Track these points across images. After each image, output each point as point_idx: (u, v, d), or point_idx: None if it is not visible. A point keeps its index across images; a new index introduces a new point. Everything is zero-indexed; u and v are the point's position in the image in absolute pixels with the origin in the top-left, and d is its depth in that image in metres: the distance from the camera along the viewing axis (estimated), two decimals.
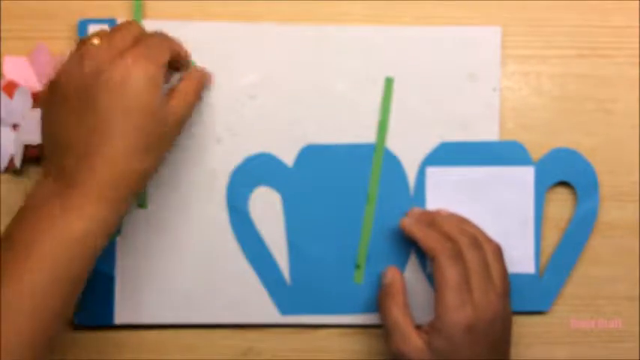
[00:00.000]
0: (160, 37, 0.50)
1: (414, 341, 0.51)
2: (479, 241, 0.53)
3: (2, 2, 0.57)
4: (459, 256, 0.51)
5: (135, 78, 0.46)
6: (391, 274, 0.55)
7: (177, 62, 0.51)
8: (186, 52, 0.52)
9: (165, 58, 0.49)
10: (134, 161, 0.47)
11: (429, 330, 0.51)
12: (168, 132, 0.49)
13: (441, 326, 0.50)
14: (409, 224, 0.55)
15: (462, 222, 0.55)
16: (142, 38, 0.49)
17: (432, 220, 0.55)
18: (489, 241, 0.54)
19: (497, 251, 0.54)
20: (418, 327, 0.52)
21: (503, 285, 0.52)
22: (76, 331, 0.57)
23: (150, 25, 0.51)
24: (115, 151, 0.46)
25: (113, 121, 0.46)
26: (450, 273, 0.51)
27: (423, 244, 0.53)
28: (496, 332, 0.51)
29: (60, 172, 0.46)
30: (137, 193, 0.48)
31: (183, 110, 0.50)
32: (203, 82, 0.54)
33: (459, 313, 0.50)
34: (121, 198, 0.47)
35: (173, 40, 0.51)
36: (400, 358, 0.52)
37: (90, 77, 0.46)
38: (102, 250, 0.46)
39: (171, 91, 0.50)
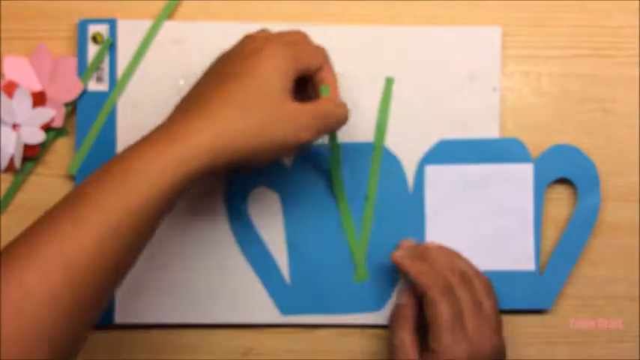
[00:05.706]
0: (317, 50, 0.51)
1: None
2: (469, 276, 0.53)
3: (2, 2, 0.57)
4: (450, 292, 0.52)
5: (269, 64, 0.48)
6: (407, 296, 0.54)
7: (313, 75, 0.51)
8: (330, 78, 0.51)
9: (304, 65, 0.49)
10: (231, 119, 0.47)
11: None
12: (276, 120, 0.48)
13: None
14: (400, 257, 0.54)
15: (452, 256, 0.55)
16: (302, 42, 0.51)
17: (423, 253, 0.54)
18: (479, 275, 0.54)
19: (488, 285, 0.54)
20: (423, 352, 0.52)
21: (495, 318, 0.53)
22: None
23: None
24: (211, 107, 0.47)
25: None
26: (442, 309, 0.51)
27: (413, 279, 0.53)
28: None
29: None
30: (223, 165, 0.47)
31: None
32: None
33: (454, 350, 0.50)
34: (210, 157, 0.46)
35: (326, 60, 0.51)
36: None
37: (241, 48, 0.50)
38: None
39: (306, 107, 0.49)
